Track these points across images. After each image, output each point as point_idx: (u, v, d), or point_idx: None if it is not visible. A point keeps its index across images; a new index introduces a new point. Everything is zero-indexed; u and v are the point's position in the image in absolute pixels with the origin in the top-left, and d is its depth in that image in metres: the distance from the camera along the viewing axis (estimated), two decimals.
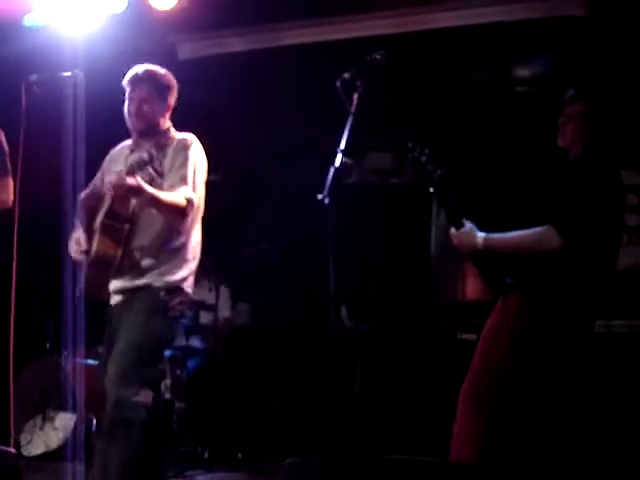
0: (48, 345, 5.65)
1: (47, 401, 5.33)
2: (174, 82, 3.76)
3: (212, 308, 5.75)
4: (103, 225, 3.54)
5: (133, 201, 3.51)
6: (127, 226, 3.54)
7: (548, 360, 3.28)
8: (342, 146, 3.22)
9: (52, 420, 5.33)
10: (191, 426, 5.52)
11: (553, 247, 3.21)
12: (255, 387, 5.95)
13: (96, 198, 3.67)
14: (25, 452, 5.30)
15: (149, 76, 3.66)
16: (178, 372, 5.56)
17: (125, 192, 3.34)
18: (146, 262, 3.57)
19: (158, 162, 3.53)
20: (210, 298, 5.81)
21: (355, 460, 2.46)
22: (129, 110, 3.63)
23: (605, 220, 3.27)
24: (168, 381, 5.51)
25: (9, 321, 3.56)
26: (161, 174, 3.55)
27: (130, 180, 3.30)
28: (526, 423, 3.38)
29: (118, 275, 3.58)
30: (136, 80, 3.64)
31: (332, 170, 3.16)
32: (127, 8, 5.05)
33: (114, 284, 3.62)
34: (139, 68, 3.68)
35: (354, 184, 6.27)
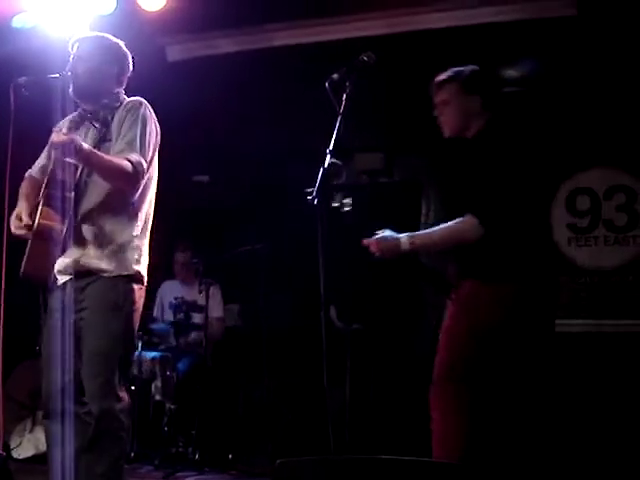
0: (38, 347, 5.63)
1: (37, 403, 5.31)
2: (120, 49, 3.58)
3: (202, 309, 5.75)
4: (46, 195, 3.23)
5: (78, 167, 3.28)
6: (71, 195, 3.25)
7: (509, 342, 3.23)
8: (331, 147, 3.22)
9: (42, 423, 5.31)
10: (181, 427, 5.52)
11: (474, 236, 3.21)
12: (245, 388, 5.95)
13: (42, 172, 3.47)
14: (15, 455, 5.30)
15: (92, 37, 3.54)
16: (168, 373, 5.55)
17: (62, 151, 3.12)
18: (94, 238, 3.31)
19: (104, 126, 3.35)
20: (201, 299, 5.80)
21: (345, 460, 2.47)
22: (72, 69, 3.43)
23: (517, 191, 3.23)
24: (158, 382, 5.51)
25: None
26: (108, 139, 3.35)
27: (67, 137, 3.11)
28: (498, 413, 3.34)
29: (64, 252, 3.28)
30: (81, 40, 3.50)
31: (321, 170, 3.17)
32: (116, 9, 5.05)
33: (61, 262, 3.32)
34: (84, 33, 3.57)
35: (343, 184, 6.29)
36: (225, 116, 6.15)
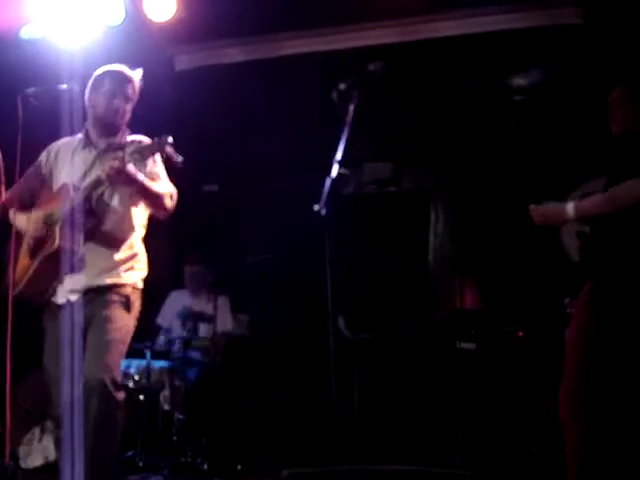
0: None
1: (45, 412, 5.31)
2: (139, 87, 3.75)
3: (211, 319, 5.74)
4: (63, 217, 3.49)
5: (98, 192, 3.51)
6: (94, 221, 3.52)
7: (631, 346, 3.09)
8: (338, 157, 3.22)
9: (50, 432, 5.31)
10: (190, 437, 5.50)
11: None
12: (254, 398, 5.94)
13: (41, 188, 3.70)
14: (24, 464, 5.29)
15: (126, 75, 3.69)
16: (177, 383, 5.54)
17: (123, 179, 3.38)
18: (109, 257, 3.58)
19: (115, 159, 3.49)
20: (208, 309, 5.80)
21: (353, 470, 2.46)
22: (103, 102, 3.61)
23: None
24: (167, 392, 5.50)
25: (7, 331, 3.55)
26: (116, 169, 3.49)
27: (130, 167, 3.35)
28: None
29: (77, 272, 3.52)
30: (115, 76, 3.67)
31: (329, 181, 3.17)
32: (124, 20, 5.06)
33: (72, 282, 3.54)
34: (118, 67, 3.71)
35: (352, 194, 6.30)
36: (233, 125, 6.16)
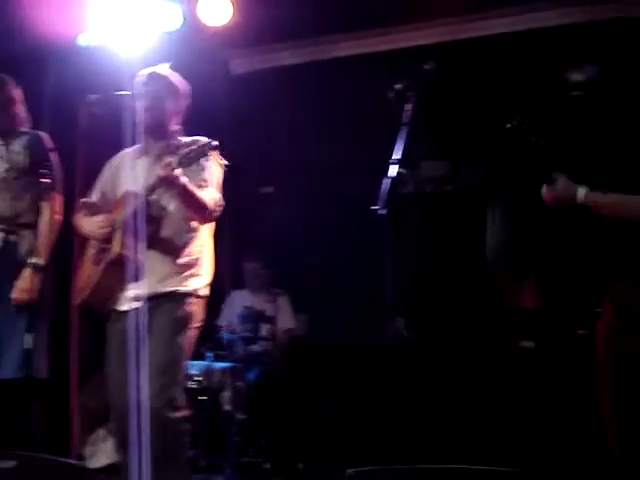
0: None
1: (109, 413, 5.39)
2: (186, 87, 3.78)
3: (271, 319, 5.78)
4: (123, 224, 3.51)
5: (155, 198, 3.53)
6: (153, 226, 3.53)
7: None
8: (396, 157, 3.22)
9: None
10: (251, 437, 5.54)
11: None
12: (315, 397, 5.96)
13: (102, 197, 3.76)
14: (89, 464, 5.37)
15: (162, 75, 3.73)
16: (238, 383, 5.59)
17: (169, 184, 3.38)
18: (169, 264, 3.58)
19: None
20: (269, 309, 5.84)
21: (416, 469, 2.46)
22: (146, 106, 3.62)
23: None
24: (228, 393, 5.54)
25: (72, 333, 3.61)
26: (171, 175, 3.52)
27: (175, 172, 3.34)
28: None
29: (138, 280, 3.51)
30: (150, 78, 3.70)
31: (387, 181, 3.17)
32: (181, 26, 5.12)
33: (136, 289, 3.53)
34: (155, 68, 3.76)
35: (410, 194, 6.28)
36: (289, 127, 6.19)
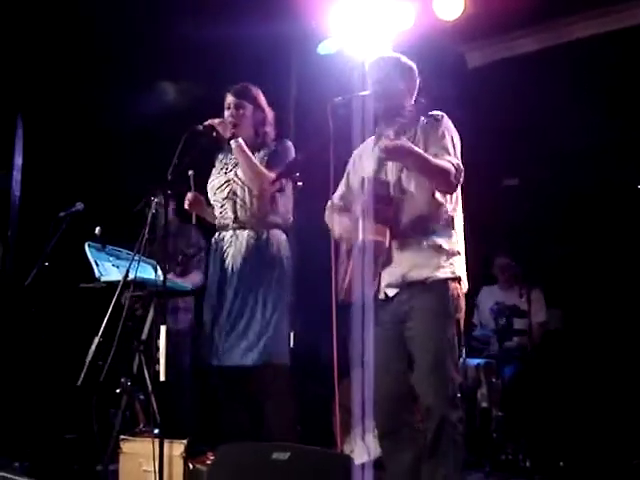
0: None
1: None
2: (414, 66, 3.69)
3: (524, 314, 5.65)
4: (367, 211, 3.42)
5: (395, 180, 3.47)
6: (392, 209, 3.43)
7: None
8: None
9: (371, 430, 5.47)
10: (510, 434, 5.44)
11: None
12: (573, 392, 5.75)
13: (342, 200, 3.74)
14: None
15: (390, 58, 3.69)
16: (493, 380, 5.51)
17: (396, 153, 3.30)
18: (419, 249, 3.43)
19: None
20: (521, 303, 5.72)
21: None
22: (374, 90, 3.57)
23: None
24: (484, 389, 5.49)
25: (333, 335, 3.67)
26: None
27: (398, 141, 3.27)
28: None
29: (389, 265, 3.44)
30: (379, 63, 3.66)
31: None
32: (415, 23, 5.15)
33: (388, 276, 3.46)
34: (378, 54, 3.72)
35: None
36: (530, 117, 6.02)
